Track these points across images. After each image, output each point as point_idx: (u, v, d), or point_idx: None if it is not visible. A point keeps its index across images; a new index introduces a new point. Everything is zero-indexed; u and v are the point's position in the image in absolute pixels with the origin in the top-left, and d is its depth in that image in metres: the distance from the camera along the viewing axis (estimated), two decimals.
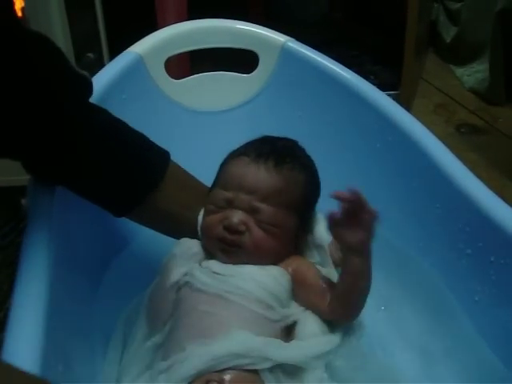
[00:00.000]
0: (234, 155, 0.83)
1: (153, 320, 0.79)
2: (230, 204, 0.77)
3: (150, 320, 0.79)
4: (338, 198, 0.71)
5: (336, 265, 0.86)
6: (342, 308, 0.76)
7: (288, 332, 0.76)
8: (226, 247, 0.76)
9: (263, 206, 0.77)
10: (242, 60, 1.15)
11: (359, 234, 0.72)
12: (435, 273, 0.91)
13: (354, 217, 0.71)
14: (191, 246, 0.81)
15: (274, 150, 0.81)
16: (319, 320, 0.78)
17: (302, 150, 0.87)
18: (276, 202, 0.77)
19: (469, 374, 0.81)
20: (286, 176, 0.79)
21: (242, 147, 0.84)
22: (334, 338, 0.77)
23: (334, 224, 0.72)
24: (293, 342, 0.74)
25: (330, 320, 0.78)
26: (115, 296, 0.87)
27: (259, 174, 0.78)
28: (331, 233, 0.75)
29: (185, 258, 0.80)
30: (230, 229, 0.76)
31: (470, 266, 0.84)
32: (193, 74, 1.14)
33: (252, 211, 0.77)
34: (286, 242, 0.78)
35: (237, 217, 0.76)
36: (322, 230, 0.84)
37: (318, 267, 0.81)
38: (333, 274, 0.81)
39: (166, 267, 0.80)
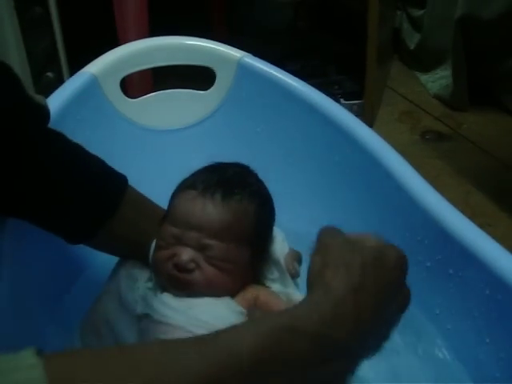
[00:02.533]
0: (183, 187, 0.80)
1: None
2: (179, 241, 0.75)
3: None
4: None
5: (292, 276, 0.85)
6: None
7: None
8: (177, 283, 0.75)
9: (213, 243, 0.74)
10: (203, 77, 1.14)
11: None
12: None
13: None
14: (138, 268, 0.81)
15: (222, 181, 0.78)
16: None
17: (253, 176, 0.83)
18: (226, 237, 0.75)
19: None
20: (235, 209, 0.76)
21: (191, 177, 0.81)
22: None
23: None
24: None
25: None
26: (72, 323, 0.85)
27: (206, 210, 0.75)
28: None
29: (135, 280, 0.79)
30: (179, 267, 0.74)
31: (430, 278, 0.84)
32: (155, 91, 1.13)
33: (201, 248, 0.74)
34: (240, 274, 0.77)
35: (185, 255, 0.74)
36: (278, 245, 0.83)
37: (277, 289, 0.81)
38: (292, 295, 0.81)
39: (118, 292, 0.80)
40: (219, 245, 0.74)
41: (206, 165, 0.83)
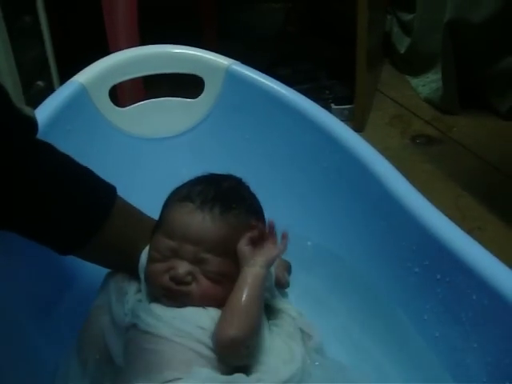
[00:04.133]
0: (178, 199, 0.80)
1: (84, 359, 0.78)
2: (175, 254, 0.76)
3: (80, 359, 0.79)
4: None
5: (282, 286, 0.87)
6: None
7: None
8: (171, 296, 0.76)
9: (209, 257, 0.75)
10: (193, 85, 1.15)
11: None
12: (385, 291, 0.91)
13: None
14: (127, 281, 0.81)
15: (220, 195, 0.78)
16: (278, 348, 0.77)
17: (247, 189, 0.84)
18: (222, 251, 0.76)
19: None
20: (232, 224, 0.77)
21: (186, 188, 0.81)
22: (294, 365, 0.76)
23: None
24: (253, 376, 0.74)
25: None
26: (62, 335, 0.85)
27: (204, 225, 0.76)
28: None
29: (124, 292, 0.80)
30: (176, 280, 0.75)
31: (418, 284, 0.85)
32: (145, 100, 1.14)
33: (198, 262, 0.75)
34: (232, 286, 0.77)
35: (183, 268, 0.75)
36: None
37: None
38: (279, 304, 0.81)
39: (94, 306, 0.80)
40: (216, 259, 0.75)
41: (199, 176, 0.83)
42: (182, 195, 0.80)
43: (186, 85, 1.17)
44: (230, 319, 0.72)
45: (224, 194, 0.79)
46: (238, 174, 0.86)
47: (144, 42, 1.24)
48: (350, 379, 0.82)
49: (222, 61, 1.11)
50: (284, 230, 0.79)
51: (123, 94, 1.28)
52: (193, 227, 0.75)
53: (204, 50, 1.12)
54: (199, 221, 0.75)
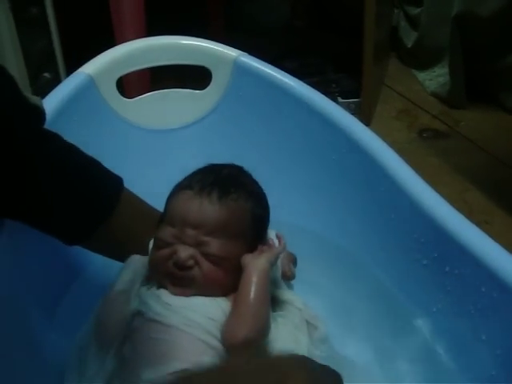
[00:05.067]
0: (179, 188, 0.81)
1: (105, 346, 0.78)
2: (177, 239, 0.76)
3: (101, 346, 0.78)
4: None
5: (288, 278, 0.86)
6: None
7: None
8: (176, 281, 0.76)
9: (210, 240, 0.76)
10: (200, 76, 1.14)
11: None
12: (393, 283, 0.91)
13: None
14: (139, 265, 0.81)
15: (218, 181, 0.79)
16: (284, 339, 0.77)
17: (248, 176, 0.85)
18: (223, 234, 0.76)
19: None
20: (231, 207, 0.78)
21: (187, 178, 0.82)
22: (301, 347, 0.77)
23: None
24: None
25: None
26: (70, 327, 0.85)
27: (203, 209, 0.76)
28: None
29: (133, 278, 0.80)
30: (179, 265, 0.75)
31: (427, 276, 0.85)
32: (152, 91, 1.13)
33: (199, 245, 0.76)
34: (236, 271, 0.77)
35: (184, 252, 0.75)
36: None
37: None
38: (284, 295, 0.81)
39: (116, 290, 0.80)
40: (217, 242, 0.76)
41: (201, 167, 0.84)
42: (182, 185, 0.81)
43: (192, 76, 1.16)
44: (241, 320, 0.73)
45: (222, 180, 0.80)
46: (245, 166, 0.85)
47: (150, 33, 1.24)
48: (355, 371, 0.82)
49: (230, 52, 1.10)
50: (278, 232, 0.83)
51: (129, 85, 1.28)
52: (192, 212, 0.76)
53: (212, 42, 1.12)
54: (197, 205, 0.76)
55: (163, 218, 0.80)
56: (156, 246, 0.78)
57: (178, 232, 0.76)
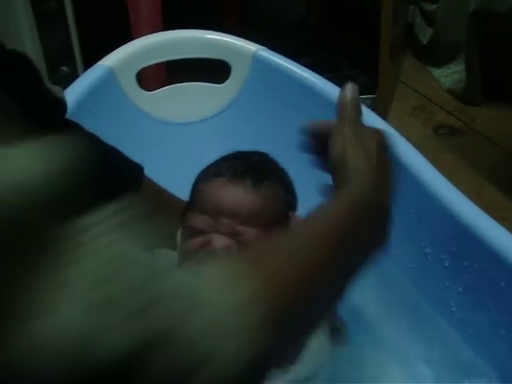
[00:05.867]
0: (208, 175, 0.80)
1: None
2: (211, 228, 0.75)
3: None
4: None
5: None
6: None
7: None
8: None
9: (245, 229, 0.74)
10: (217, 70, 1.15)
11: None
12: (411, 278, 0.91)
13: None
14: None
15: (249, 168, 0.78)
16: None
17: (275, 163, 0.85)
18: (258, 222, 0.75)
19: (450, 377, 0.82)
20: (265, 194, 0.77)
21: (214, 166, 0.81)
22: (320, 353, 0.76)
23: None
24: None
25: None
26: None
27: (238, 197, 0.75)
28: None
29: None
30: (215, 254, 0.73)
31: (446, 270, 0.85)
32: (169, 85, 1.14)
33: (235, 235, 0.74)
34: None
35: (220, 242, 0.73)
36: None
37: None
38: None
39: None
40: (252, 230, 0.74)
41: (226, 154, 0.83)
42: (211, 172, 0.80)
43: (209, 70, 1.17)
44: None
45: (253, 167, 0.79)
46: None
47: (165, 29, 1.24)
48: (372, 368, 0.82)
49: (249, 46, 1.11)
50: None
51: (145, 78, 1.29)
52: (227, 200, 0.75)
53: (231, 36, 1.12)
54: (232, 194, 0.75)
55: (191, 206, 0.79)
56: (187, 235, 0.77)
57: (211, 220, 0.75)
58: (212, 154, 0.86)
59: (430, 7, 2.12)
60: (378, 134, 0.63)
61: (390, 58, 1.78)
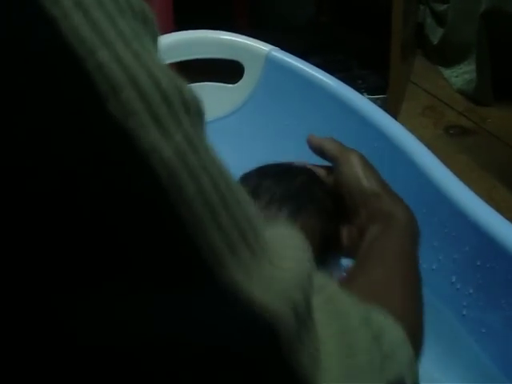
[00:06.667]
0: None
1: None
2: None
3: None
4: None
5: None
6: None
7: None
8: None
9: None
10: (230, 70, 1.16)
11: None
12: (424, 277, 0.91)
13: None
14: None
15: (290, 193, 0.71)
16: None
17: (321, 186, 0.74)
18: None
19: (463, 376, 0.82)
20: (300, 226, 0.68)
21: (253, 179, 0.73)
22: None
23: None
24: None
25: None
26: None
27: None
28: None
29: None
30: None
31: (458, 270, 0.85)
32: None
33: None
34: None
35: None
36: None
37: None
38: None
39: None
40: None
41: (268, 165, 0.76)
42: (249, 187, 0.69)
43: (222, 70, 1.17)
44: None
45: (295, 192, 0.72)
46: (278, 160, 0.85)
47: (175, 29, 1.25)
48: None
49: (262, 47, 1.11)
50: None
51: None
52: None
53: (244, 36, 1.13)
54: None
55: None
56: None
57: None
58: (224, 154, 0.86)
59: (441, 7, 2.12)
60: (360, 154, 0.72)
61: (401, 58, 1.79)
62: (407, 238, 0.64)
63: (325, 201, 0.73)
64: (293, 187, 0.72)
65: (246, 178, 0.75)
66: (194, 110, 0.30)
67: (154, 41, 0.30)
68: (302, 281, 0.32)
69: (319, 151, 0.74)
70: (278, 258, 0.32)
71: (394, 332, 0.40)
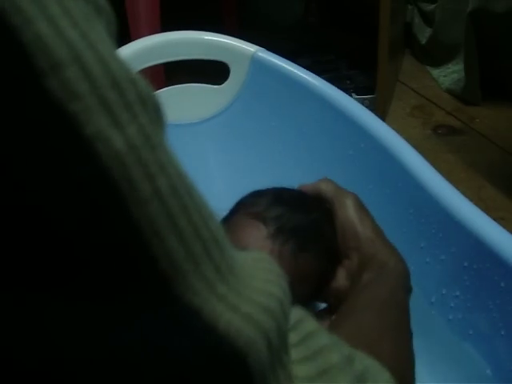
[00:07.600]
0: (252, 213, 0.70)
1: None
2: None
3: None
4: None
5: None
6: None
7: None
8: None
9: None
10: (216, 71, 1.15)
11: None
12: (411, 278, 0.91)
13: None
14: None
15: (299, 229, 0.69)
16: None
17: (332, 225, 0.71)
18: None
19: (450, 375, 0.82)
20: (301, 264, 0.68)
21: (264, 201, 0.71)
22: None
23: None
24: None
25: None
26: None
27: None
28: None
29: None
30: None
31: (445, 271, 0.85)
32: (168, 86, 1.14)
33: None
34: None
35: None
36: None
37: None
38: None
39: None
40: None
41: (284, 189, 0.75)
42: (256, 210, 0.71)
43: (207, 71, 1.17)
44: None
45: (305, 228, 0.70)
46: (264, 162, 0.85)
47: (163, 30, 1.24)
48: None
49: (247, 47, 1.11)
50: None
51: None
52: None
53: (229, 37, 1.12)
54: (268, 251, 0.66)
55: None
56: None
57: None
58: (210, 155, 0.86)
59: (429, 7, 2.12)
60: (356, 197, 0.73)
61: (389, 57, 1.78)
62: (399, 288, 0.63)
63: (332, 241, 0.71)
64: (305, 222, 0.71)
65: (258, 196, 0.73)
66: (152, 107, 0.28)
67: (110, 32, 0.28)
68: (274, 307, 0.29)
69: (316, 194, 0.74)
70: (249, 278, 0.29)
71: (380, 375, 0.37)
